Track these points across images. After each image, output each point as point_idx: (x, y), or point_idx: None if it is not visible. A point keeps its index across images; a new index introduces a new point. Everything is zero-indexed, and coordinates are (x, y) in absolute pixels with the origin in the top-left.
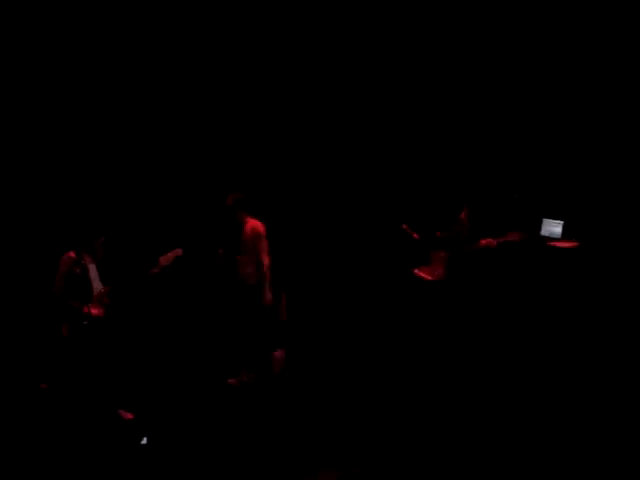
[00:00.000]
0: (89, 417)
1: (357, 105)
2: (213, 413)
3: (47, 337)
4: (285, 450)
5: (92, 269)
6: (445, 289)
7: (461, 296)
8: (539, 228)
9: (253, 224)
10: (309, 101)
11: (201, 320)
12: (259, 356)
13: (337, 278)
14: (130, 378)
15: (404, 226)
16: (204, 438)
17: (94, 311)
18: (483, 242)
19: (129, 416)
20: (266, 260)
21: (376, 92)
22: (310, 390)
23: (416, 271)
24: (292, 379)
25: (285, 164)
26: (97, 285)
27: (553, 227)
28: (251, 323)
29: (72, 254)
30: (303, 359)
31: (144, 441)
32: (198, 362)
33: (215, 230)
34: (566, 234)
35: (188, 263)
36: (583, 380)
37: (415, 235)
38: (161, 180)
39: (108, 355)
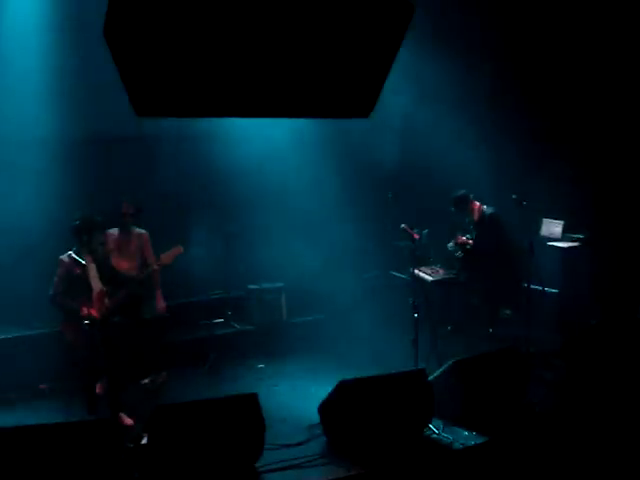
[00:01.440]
0: (90, 418)
1: None
2: None
3: (48, 337)
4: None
5: (92, 269)
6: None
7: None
8: (539, 228)
9: (139, 233)
10: None
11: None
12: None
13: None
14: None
15: (404, 226)
16: None
17: (94, 311)
18: (459, 240)
19: (129, 422)
20: (153, 266)
21: None
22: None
23: (416, 271)
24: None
25: None
26: (97, 285)
27: (553, 227)
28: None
29: (72, 254)
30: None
31: (144, 441)
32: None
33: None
34: (566, 234)
35: None
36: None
37: (415, 235)
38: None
39: (108, 355)
